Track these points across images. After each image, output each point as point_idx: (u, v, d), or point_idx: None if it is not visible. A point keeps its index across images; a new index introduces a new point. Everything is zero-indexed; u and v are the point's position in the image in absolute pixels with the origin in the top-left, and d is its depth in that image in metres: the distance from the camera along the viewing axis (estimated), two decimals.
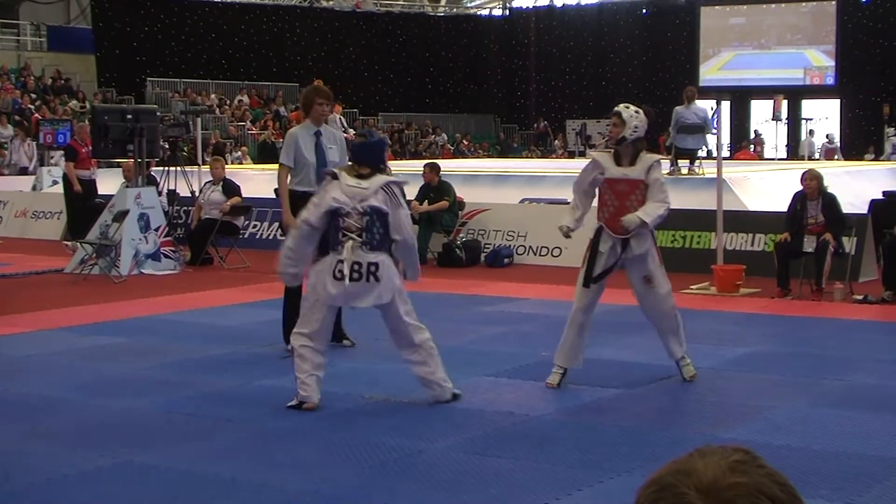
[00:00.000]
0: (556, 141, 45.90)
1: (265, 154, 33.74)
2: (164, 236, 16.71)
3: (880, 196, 17.38)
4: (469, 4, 52.97)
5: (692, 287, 13.75)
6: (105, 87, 38.84)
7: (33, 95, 35.19)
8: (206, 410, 8.17)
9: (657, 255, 8.96)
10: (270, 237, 19.31)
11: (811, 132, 39.57)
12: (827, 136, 40.67)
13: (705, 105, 22.69)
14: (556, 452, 7.06)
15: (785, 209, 14.14)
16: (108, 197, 17.57)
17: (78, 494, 6.34)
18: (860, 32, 41.26)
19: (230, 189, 17.72)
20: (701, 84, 40.40)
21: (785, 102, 38.97)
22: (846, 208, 14.71)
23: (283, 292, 10.42)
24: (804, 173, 13.97)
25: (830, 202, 13.65)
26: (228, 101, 40.47)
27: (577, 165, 29.30)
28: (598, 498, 6.23)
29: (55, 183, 23.49)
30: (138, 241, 16.30)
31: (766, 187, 20.27)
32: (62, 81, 37.80)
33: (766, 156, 40.95)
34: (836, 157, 38.83)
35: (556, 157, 42.04)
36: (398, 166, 24.29)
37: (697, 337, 9.36)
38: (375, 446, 7.10)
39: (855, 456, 6.88)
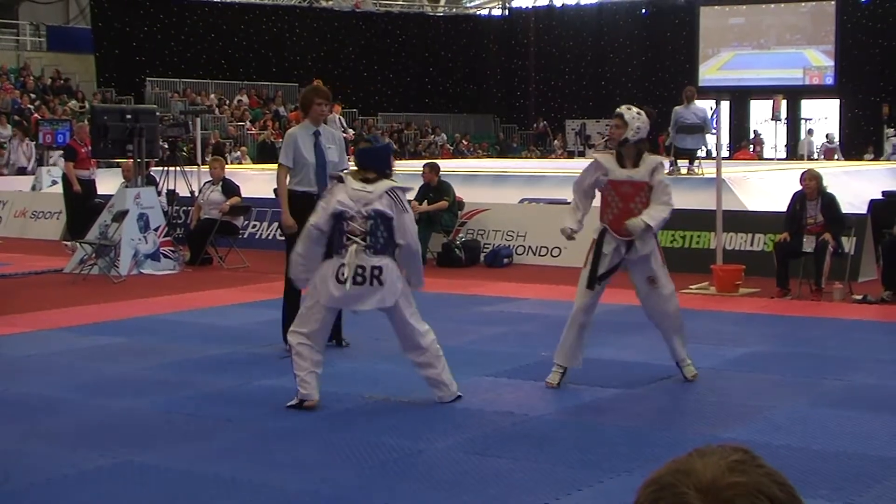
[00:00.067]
0: (556, 141, 45.90)
1: (264, 154, 33.71)
2: (164, 236, 16.71)
3: (879, 196, 17.38)
4: (468, 4, 52.98)
5: (691, 287, 13.75)
6: (104, 87, 38.84)
7: (33, 95, 35.19)
8: (206, 410, 8.17)
9: (660, 255, 8.97)
10: (270, 237, 19.31)
11: (810, 132, 39.58)
12: (827, 136, 40.68)
13: (705, 105, 22.68)
14: (555, 452, 7.06)
15: (784, 209, 14.14)
16: (108, 197, 17.57)
17: (78, 494, 6.34)
18: (859, 32, 41.26)
19: (229, 189, 17.72)
20: (700, 84, 40.41)
21: (784, 102, 38.99)
22: (845, 208, 14.71)
23: (283, 292, 10.43)
24: (803, 173, 13.97)
25: (830, 202, 13.65)
26: (228, 101, 40.46)
27: (576, 165, 29.29)
28: (597, 498, 6.23)
29: (54, 183, 23.49)
30: (138, 241, 16.30)
31: (766, 187, 20.27)
32: (61, 81, 37.80)
33: (765, 156, 40.96)
34: (835, 156, 38.86)
35: (556, 157, 42.05)
36: (397, 166, 24.27)
37: (697, 337, 9.37)
38: (375, 446, 7.10)
39: (855, 456, 6.88)
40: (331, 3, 47.31)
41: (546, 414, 8.11)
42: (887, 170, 26.78)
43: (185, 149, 24.68)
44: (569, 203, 17.75)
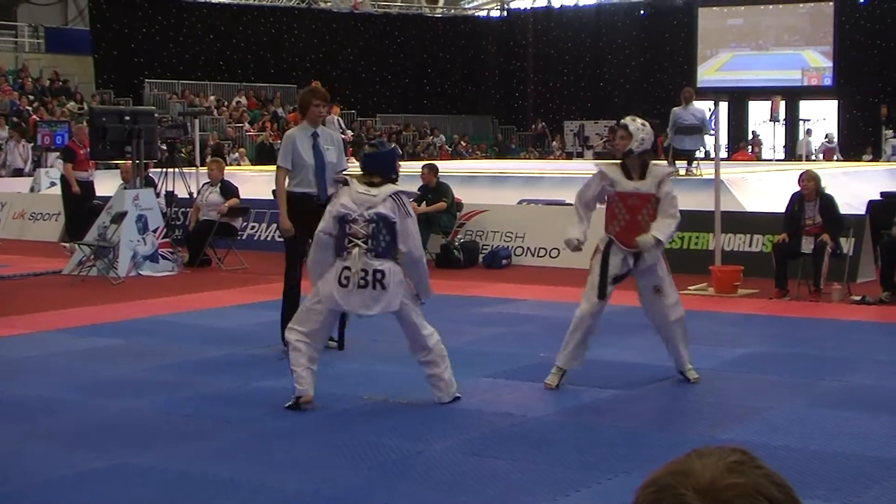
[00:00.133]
0: (554, 142, 45.91)
1: (263, 155, 33.72)
2: (162, 238, 16.71)
3: (878, 197, 17.39)
4: (467, 6, 52.98)
5: (690, 288, 13.75)
6: (103, 89, 38.82)
7: (31, 97, 35.17)
8: (205, 411, 8.17)
9: (666, 264, 8.98)
10: (268, 238, 19.31)
11: (808, 132, 39.60)
12: (826, 136, 40.72)
13: (703, 106, 22.70)
14: (554, 453, 7.06)
15: (783, 210, 14.15)
16: (106, 198, 17.57)
17: (76, 495, 6.34)
18: (858, 33, 41.28)
19: (228, 190, 17.72)
20: (699, 85, 40.44)
21: (783, 103, 38.99)
22: (844, 209, 14.71)
23: (282, 293, 10.44)
24: (802, 174, 13.98)
25: (828, 203, 13.66)
26: (226, 103, 40.46)
27: (575, 167, 29.27)
28: (596, 499, 6.23)
29: (53, 184, 23.48)
30: (136, 243, 16.29)
31: (764, 188, 20.28)
32: (60, 83, 37.79)
33: (763, 157, 40.98)
34: (835, 156, 38.89)
35: (554, 159, 42.04)
36: None
37: (695, 338, 9.37)
38: (374, 447, 7.11)
39: (853, 457, 6.89)
40: (329, 4, 47.32)
41: (544, 415, 8.12)
42: (886, 171, 26.79)
43: (183, 150, 24.68)
44: (566, 204, 17.77)
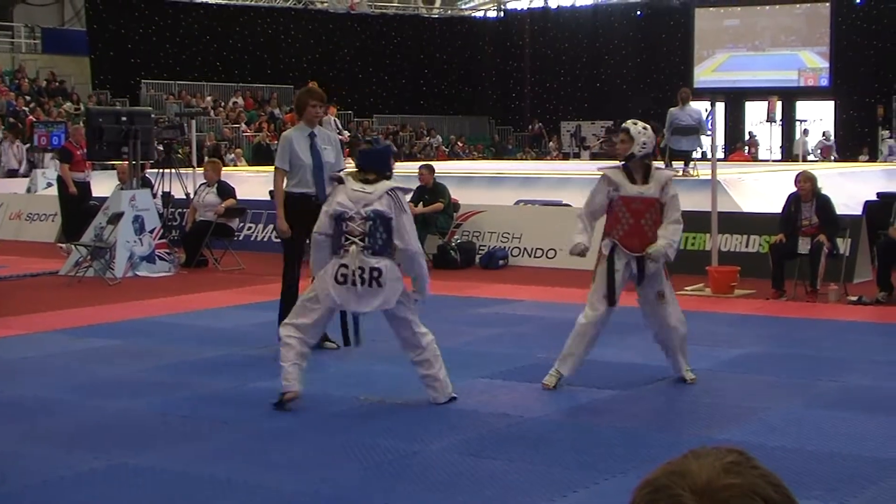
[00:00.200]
0: (551, 143, 45.92)
1: (260, 156, 33.70)
2: (159, 238, 16.70)
3: (874, 197, 17.39)
4: (463, 6, 52.96)
5: (687, 288, 13.75)
6: (99, 90, 38.80)
7: (27, 98, 35.15)
8: (202, 412, 8.17)
9: (665, 270, 8.99)
10: (265, 239, 19.30)
11: (806, 132, 39.63)
12: (823, 134, 40.76)
13: (700, 107, 22.71)
14: (551, 454, 7.07)
15: (779, 210, 14.15)
16: (103, 199, 17.56)
17: (74, 496, 6.34)
18: (854, 34, 41.30)
19: (225, 191, 17.72)
20: (695, 86, 40.47)
21: (779, 104, 39.02)
22: (840, 210, 14.73)
23: (280, 293, 10.44)
24: (798, 175, 13.99)
25: (824, 204, 13.68)
26: (223, 103, 40.47)
27: (571, 167, 29.27)
28: (593, 499, 6.23)
29: (49, 185, 23.47)
30: (133, 244, 16.29)
31: (761, 189, 20.29)
32: (56, 83, 37.78)
33: (760, 157, 41.00)
34: (832, 154, 38.93)
35: (551, 159, 42.06)
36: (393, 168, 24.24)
37: (692, 338, 9.37)
38: (370, 448, 7.11)
39: (849, 457, 6.89)
40: (326, 4, 47.30)
41: (542, 415, 8.12)
42: (882, 171, 26.81)
43: (180, 151, 24.68)
44: (563, 205, 17.79)
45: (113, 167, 21.42)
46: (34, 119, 31.46)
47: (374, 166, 8.28)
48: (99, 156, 17.90)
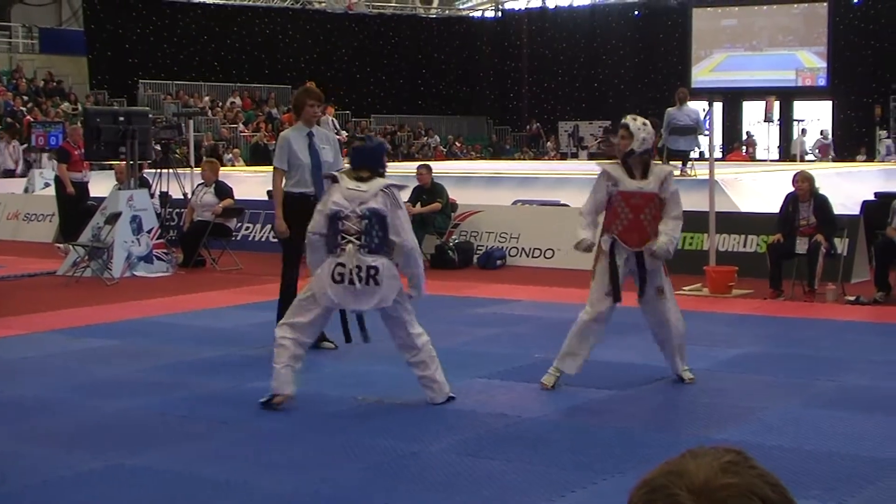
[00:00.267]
0: (549, 143, 45.93)
1: (257, 156, 33.71)
2: (157, 238, 16.70)
3: (872, 197, 17.40)
4: (461, 6, 52.97)
5: (684, 288, 13.75)
6: (97, 90, 38.79)
7: (25, 98, 35.15)
8: (200, 412, 8.17)
9: (665, 267, 8.98)
10: (263, 239, 19.30)
11: (803, 132, 39.66)
12: (821, 132, 40.76)
13: (697, 106, 22.71)
14: (549, 454, 7.07)
15: (777, 210, 14.16)
16: (101, 199, 17.56)
17: (72, 496, 6.34)
18: (852, 34, 41.33)
19: (222, 191, 17.71)
20: (693, 86, 40.49)
21: (777, 104, 39.01)
22: (838, 209, 14.74)
23: (279, 294, 10.43)
24: (796, 175, 13.99)
25: (822, 204, 13.68)
26: (220, 103, 40.46)
27: (569, 167, 29.25)
28: (591, 499, 6.24)
29: (47, 185, 23.46)
30: (130, 244, 16.28)
31: (758, 188, 20.30)
32: (54, 84, 37.77)
33: (757, 157, 41.02)
34: (830, 153, 38.97)
35: (549, 159, 42.07)
36: (390, 169, 24.27)
37: (690, 338, 9.38)
38: (369, 448, 7.11)
39: (847, 457, 6.90)
40: (323, 4, 47.30)
41: (539, 415, 8.12)
42: (880, 171, 26.83)
43: (178, 151, 24.68)
44: (561, 204, 17.78)
45: (110, 167, 21.41)
46: (32, 119, 31.44)
47: (366, 163, 8.26)
48: (96, 156, 17.90)
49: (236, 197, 18.01)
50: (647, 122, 8.91)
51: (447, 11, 51.76)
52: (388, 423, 7.83)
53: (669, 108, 21.51)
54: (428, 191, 17.65)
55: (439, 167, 23.69)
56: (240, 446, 7.31)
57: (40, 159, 27.52)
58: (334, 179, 8.29)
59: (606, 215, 8.90)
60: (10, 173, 28.98)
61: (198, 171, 19.02)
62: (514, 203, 19.59)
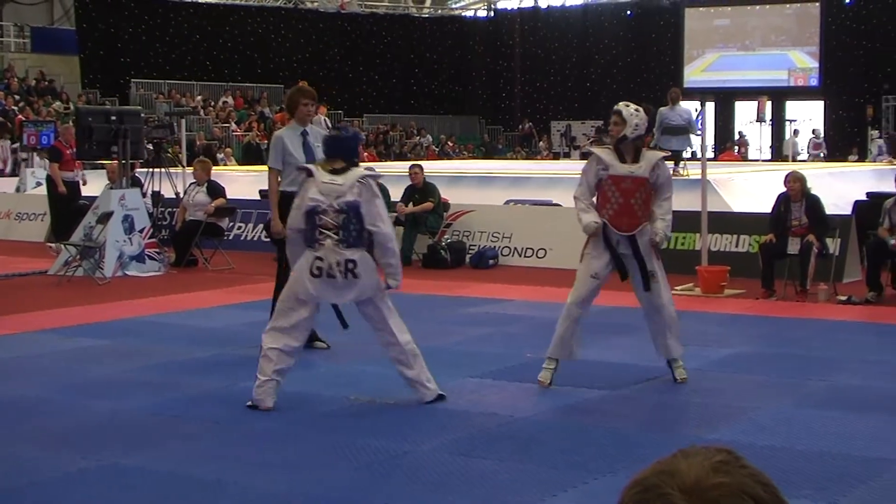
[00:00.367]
0: (541, 142, 45.96)
1: (250, 155, 33.70)
2: (149, 238, 16.67)
3: (864, 197, 17.42)
4: (454, 6, 52.99)
5: (677, 288, 13.73)
6: (89, 89, 38.73)
7: (17, 97, 35.08)
8: (192, 412, 8.16)
9: (656, 251, 8.98)
10: (255, 239, 19.29)
11: (796, 132, 39.69)
12: (813, 132, 40.85)
13: (690, 106, 22.73)
14: (541, 454, 7.07)
15: (769, 210, 14.17)
16: (92, 198, 17.53)
17: (63, 497, 6.32)
18: (844, 34, 41.38)
19: (215, 190, 17.70)
20: (685, 85, 40.52)
21: (769, 104, 39.08)
22: (830, 210, 14.76)
23: (272, 293, 10.42)
24: (787, 175, 14.01)
25: (814, 204, 13.70)
26: (213, 103, 40.42)
27: (562, 167, 29.25)
28: (583, 499, 6.24)
29: (39, 184, 23.41)
30: (122, 243, 16.26)
31: (751, 188, 20.33)
32: (46, 83, 37.70)
33: (750, 157, 41.07)
34: (821, 153, 39.04)
35: (541, 159, 42.09)
36: (382, 168, 24.28)
37: (683, 338, 9.38)
38: (361, 448, 7.10)
39: (839, 456, 6.91)
40: (316, 4, 47.29)
41: (532, 415, 8.12)
42: (872, 171, 26.86)
43: (170, 150, 24.64)
44: (553, 204, 17.76)
45: (102, 166, 21.38)
46: (23, 118, 31.38)
47: (340, 153, 8.21)
48: (88, 155, 17.86)
49: (228, 196, 18.00)
50: (640, 108, 8.91)
51: (439, 11, 51.77)
52: (381, 422, 7.83)
53: (662, 108, 21.51)
54: (420, 190, 17.65)
55: (431, 167, 23.70)
56: (232, 446, 7.30)
57: (32, 158, 27.46)
58: (309, 173, 8.23)
59: (597, 199, 8.90)
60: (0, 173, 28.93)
61: (190, 170, 19.00)
62: (507, 203, 19.59)
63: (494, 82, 49.66)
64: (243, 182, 22.52)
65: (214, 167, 20.41)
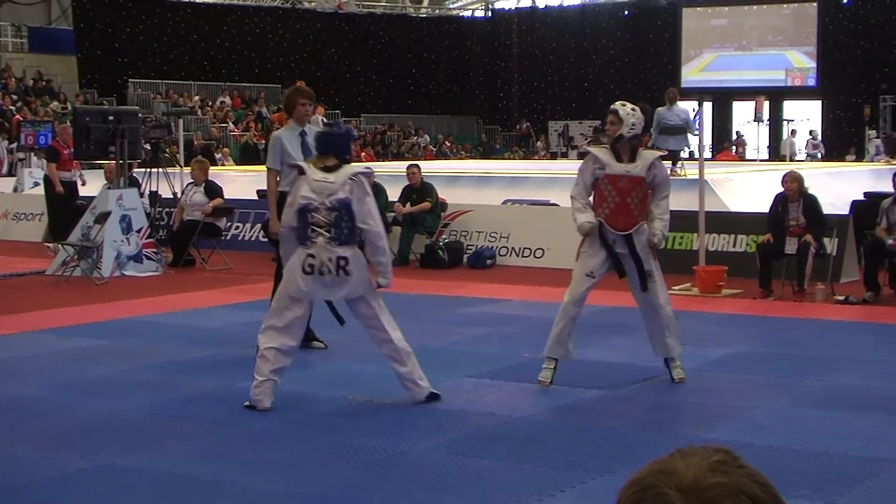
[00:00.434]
0: (539, 142, 45.96)
1: (247, 155, 33.69)
2: (146, 238, 16.67)
3: (861, 197, 17.43)
4: (451, 6, 52.98)
5: (674, 288, 13.74)
6: (86, 89, 38.72)
7: (14, 97, 35.07)
8: (190, 412, 8.16)
9: (653, 251, 8.99)
10: (252, 239, 19.28)
11: (793, 132, 39.73)
12: (810, 133, 40.89)
13: (687, 106, 22.74)
14: (538, 453, 7.07)
15: (766, 210, 14.18)
16: (90, 198, 17.53)
17: (61, 497, 6.32)
18: (841, 34, 41.41)
19: (212, 190, 17.69)
20: (683, 85, 40.56)
21: (767, 104, 39.09)
22: (827, 209, 14.77)
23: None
24: (785, 175, 14.02)
25: (811, 204, 13.71)
26: (210, 103, 40.41)
27: (559, 167, 29.25)
28: (580, 499, 6.24)
29: (36, 184, 23.41)
30: (120, 243, 16.25)
31: (748, 188, 20.33)
32: (43, 83, 37.68)
33: (747, 157, 41.09)
34: (818, 153, 39.09)
35: (539, 159, 42.09)
36: (380, 168, 24.30)
37: (680, 338, 9.38)
38: (358, 447, 7.10)
39: (836, 456, 6.91)
40: (313, 4, 47.27)
41: (529, 415, 8.12)
42: (869, 171, 26.86)
43: (167, 150, 24.64)
44: (551, 204, 17.75)
45: (100, 166, 21.37)
46: (21, 118, 31.37)
47: (332, 150, 8.20)
48: (86, 155, 17.85)
49: (226, 196, 17.99)
50: (637, 107, 8.93)
51: (437, 11, 51.77)
52: (378, 422, 7.83)
53: (659, 108, 21.51)
54: (418, 190, 17.65)
55: (429, 167, 23.70)
56: (230, 446, 7.30)
57: (29, 158, 27.45)
58: (301, 171, 8.23)
59: (594, 199, 8.91)
60: None
61: (187, 170, 18.99)
62: (504, 202, 19.59)
63: (492, 82, 49.67)
64: (241, 182, 22.51)
65: (212, 167, 20.42)
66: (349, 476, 6.59)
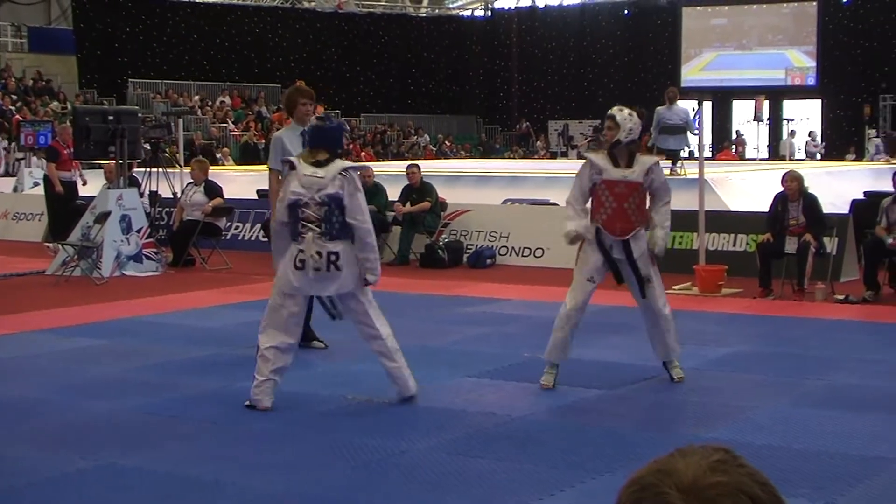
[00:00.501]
0: (539, 142, 45.96)
1: (247, 155, 33.69)
2: (146, 238, 16.67)
3: (861, 196, 17.43)
4: (451, 5, 52.98)
5: (674, 287, 13.76)
6: (86, 89, 38.72)
7: (14, 97, 35.07)
8: (190, 412, 8.15)
9: (652, 256, 8.99)
10: (252, 238, 19.28)
11: (792, 132, 39.73)
12: (809, 134, 40.89)
13: (687, 106, 22.73)
14: (538, 453, 7.07)
15: (766, 209, 14.18)
16: (90, 198, 17.53)
17: (61, 497, 6.32)
18: (841, 33, 41.41)
19: (212, 190, 17.69)
20: (683, 85, 40.56)
21: (766, 103, 39.09)
22: (827, 209, 14.77)
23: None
24: (785, 175, 14.01)
25: (811, 203, 13.71)
26: (210, 103, 40.41)
27: (559, 166, 29.27)
28: (580, 498, 6.24)
29: (36, 184, 23.41)
30: (120, 243, 16.25)
31: (748, 188, 20.33)
32: (43, 83, 37.69)
33: (747, 156, 41.09)
34: (817, 154, 39.09)
35: (539, 158, 42.09)
36: (379, 167, 24.30)
37: (680, 337, 9.38)
38: (358, 447, 7.10)
39: (836, 455, 6.91)
40: (313, 3, 47.27)
41: (528, 414, 8.12)
42: (869, 170, 26.87)
43: (167, 150, 24.64)
44: (550, 203, 17.75)
45: (100, 166, 21.37)
46: (21, 118, 31.37)
47: (323, 144, 8.16)
48: (86, 155, 17.85)
49: (226, 196, 17.98)
50: (634, 112, 8.93)
51: (437, 10, 51.76)
52: (378, 422, 7.83)
53: (659, 108, 21.54)
54: (417, 190, 17.65)
55: (429, 166, 23.69)
56: (230, 446, 7.30)
57: (29, 158, 27.45)
58: (291, 166, 8.21)
59: (592, 204, 8.91)
60: None
61: (187, 170, 18.99)
62: (504, 202, 19.59)
63: (492, 82, 49.67)
64: (241, 182, 22.51)
65: (212, 167, 20.41)
66: (349, 476, 6.59)
